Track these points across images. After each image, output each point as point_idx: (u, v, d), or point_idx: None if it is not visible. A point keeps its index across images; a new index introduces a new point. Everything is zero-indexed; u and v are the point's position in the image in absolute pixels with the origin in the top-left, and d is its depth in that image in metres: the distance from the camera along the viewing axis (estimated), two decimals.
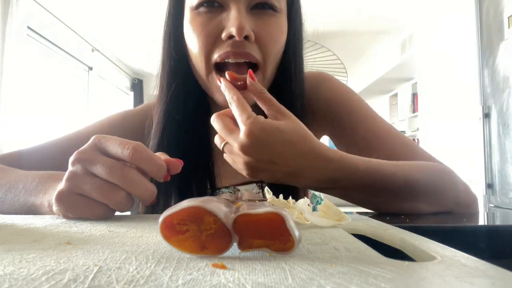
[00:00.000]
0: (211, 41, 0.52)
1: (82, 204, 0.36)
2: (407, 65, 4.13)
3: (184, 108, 0.58)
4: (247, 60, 0.52)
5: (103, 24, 3.72)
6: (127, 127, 0.65)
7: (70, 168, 0.37)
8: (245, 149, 0.41)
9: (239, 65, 0.52)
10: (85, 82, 4.05)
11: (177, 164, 0.39)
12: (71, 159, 0.37)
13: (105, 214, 0.37)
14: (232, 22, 0.49)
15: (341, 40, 3.97)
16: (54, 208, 0.37)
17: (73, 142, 0.59)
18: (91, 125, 0.66)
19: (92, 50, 4.06)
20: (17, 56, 2.66)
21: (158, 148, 0.57)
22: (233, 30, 0.49)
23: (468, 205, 0.53)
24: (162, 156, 0.39)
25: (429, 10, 3.11)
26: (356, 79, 5.33)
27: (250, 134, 0.40)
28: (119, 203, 0.36)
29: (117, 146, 0.36)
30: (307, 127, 0.44)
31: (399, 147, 0.57)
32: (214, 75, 0.53)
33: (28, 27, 2.88)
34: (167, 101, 0.57)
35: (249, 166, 0.43)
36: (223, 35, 0.51)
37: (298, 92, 0.59)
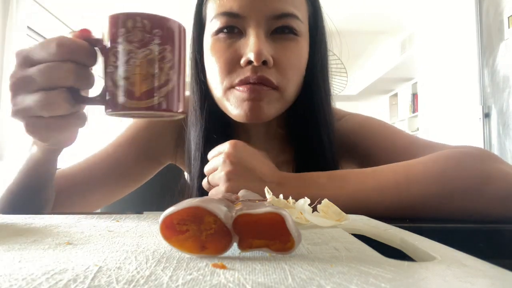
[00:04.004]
0: (230, 66, 0.52)
1: (37, 122, 0.37)
2: (407, 65, 4.13)
3: (220, 125, 0.58)
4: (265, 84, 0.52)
5: (103, 24, 3.72)
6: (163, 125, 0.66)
7: (11, 98, 0.38)
8: (230, 156, 0.46)
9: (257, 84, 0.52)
10: None
11: (84, 33, 0.40)
12: (9, 87, 0.38)
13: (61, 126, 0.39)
14: (251, 47, 0.50)
15: (341, 40, 3.96)
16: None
17: (113, 156, 0.63)
18: (126, 133, 0.66)
19: None
20: None
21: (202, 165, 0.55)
22: (251, 55, 0.49)
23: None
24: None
25: (429, 10, 3.11)
26: (356, 79, 5.33)
27: (234, 143, 0.47)
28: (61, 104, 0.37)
29: (40, 51, 0.36)
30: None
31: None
32: (233, 91, 0.53)
33: (28, 27, 2.88)
34: (203, 124, 0.57)
35: (230, 174, 0.46)
36: (242, 61, 0.51)
37: (322, 113, 0.58)
